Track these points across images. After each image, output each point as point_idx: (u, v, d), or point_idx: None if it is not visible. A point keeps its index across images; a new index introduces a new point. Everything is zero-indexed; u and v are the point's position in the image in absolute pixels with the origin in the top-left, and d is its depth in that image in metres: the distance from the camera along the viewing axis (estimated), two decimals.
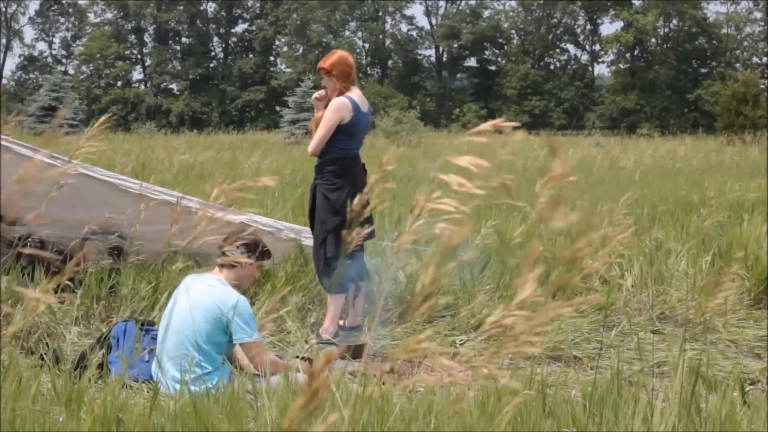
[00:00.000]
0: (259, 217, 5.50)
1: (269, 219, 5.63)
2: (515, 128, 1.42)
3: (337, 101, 4.81)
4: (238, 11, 63.35)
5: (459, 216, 1.52)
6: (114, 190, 4.97)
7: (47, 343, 4.25)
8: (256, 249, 3.87)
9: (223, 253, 3.84)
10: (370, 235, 5.08)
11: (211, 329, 3.64)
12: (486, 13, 62.15)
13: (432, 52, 64.29)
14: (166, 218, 4.86)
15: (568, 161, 1.29)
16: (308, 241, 5.52)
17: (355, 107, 4.83)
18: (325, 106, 4.92)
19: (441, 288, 1.39)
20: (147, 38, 62.96)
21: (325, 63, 4.90)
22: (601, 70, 64.96)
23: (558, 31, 62.32)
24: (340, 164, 4.83)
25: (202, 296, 3.67)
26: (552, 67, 61.98)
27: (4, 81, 60.96)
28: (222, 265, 3.84)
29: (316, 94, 5.03)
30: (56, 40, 64.45)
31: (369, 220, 5.02)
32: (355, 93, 4.88)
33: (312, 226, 4.98)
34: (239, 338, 3.66)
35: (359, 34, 63.41)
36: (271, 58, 63.17)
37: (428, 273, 1.33)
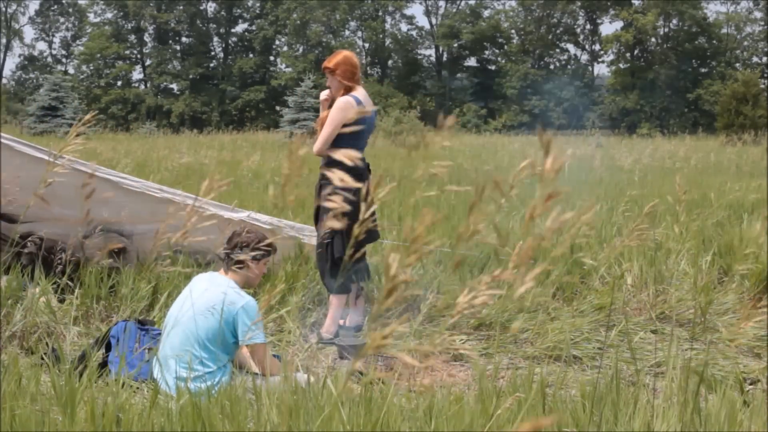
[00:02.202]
0: (259, 215, 5.50)
1: (269, 217, 5.63)
2: None
3: (342, 100, 4.81)
4: (238, 11, 63.35)
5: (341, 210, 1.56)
6: (115, 189, 4.97)
7: (47, 343, 4.25)
8: (263, 248, 3.88)
9: (228, 256, 3.84)
10: (375, 237, 5.09)
11: (217, 329, 3.64)
12: (486, 13, 62.16)
13: (432, 51, 64.33)
14: (165, 216, 4.87)
15: (559, 157, 1.29)
16: (308, 239, 5.52)
17: (360, 106, 4.83)
18: (329, 106, 4.92)
19: (409, 282, 1.38)
20: (147, 38, 62.96)
21: (330, 62, 4.90)
22: (601, 69, 65.06)
23: (558, 31, 62.30)
24: (346, 164, 4.81)
25: (210, 297, 3.68)
26: (552, 67, 61.98)
27: (4, 81, 60.97)
28: (228, 267, 3.85)
29: (322, 95, 5.03)
30: (56, 40, 64.47)
31: (372, 221, 5.02)
32: (360, 92, 4.88)
33: (317, 226, 4.97)
34: (245, 340, 3.68)
35: (359, 33, 63.43)
36: (271, 58, 63.17)
37: (392, 266, 1.33)
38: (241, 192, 9.35)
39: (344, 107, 4.77)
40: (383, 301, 1.33)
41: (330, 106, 4.92)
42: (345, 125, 4.74)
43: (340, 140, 4.79)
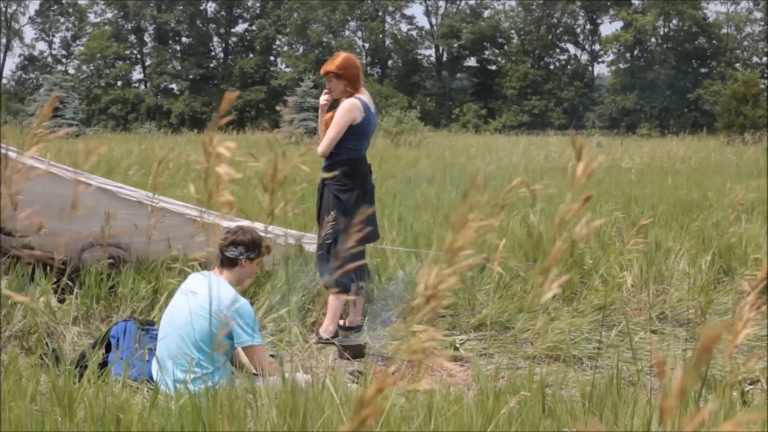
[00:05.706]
0: (258, 223, 5.49)
1: (270, 226, 5.61)
2: None
3: (348, 102, 4.82)
4: (238, 11, 63.34)
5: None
6: (113, 199, 4.92)
7: (47, 343, 4.24)
8: (255, 247, 3.87)
9: (223, 254, 3.84)
10: (373, 237, 5.09)
11: (212, 330, 3.64)
12: (486, 13, 62.13)
13: (432, 51, 64.30)
14: (164, 226, 4.85)
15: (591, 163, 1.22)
16: (309, 246, 5.52)
17: (366, 108, 4.85)
18: (329, 108, 4.93)
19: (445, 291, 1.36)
20: (147, 38, 62.94)
21: (332, 65, 4.89)
22: (601, 69, 65.03)
23: (558, 31, 62.29)
24: (351, 165, 4.85)
25: (204, 297, 3.67)
26: (552, 67, 61.94)
27: (4, 81, 60.96)
28: (222, 265, 3.85)
29: (322, 99, 5.02)
30: (56, 40, 64.46)
31: (372, 222, 5.03)
32: (365, 95, 4.90)
33: (320, 226, 4.98)
34: (241, 341, 3.66)
35: (359, 33, 63.41)
36: (272, 58, 63.16)
37: (432, 274, 1.29)
38: (245, 195, 9.35)
39: (350, 109, 4.79)
40: (421, 308, 1.30)
41: (329, 109, 4.93)
42: (351, 126, 4.77)
43: (345, 141, 4.81)
